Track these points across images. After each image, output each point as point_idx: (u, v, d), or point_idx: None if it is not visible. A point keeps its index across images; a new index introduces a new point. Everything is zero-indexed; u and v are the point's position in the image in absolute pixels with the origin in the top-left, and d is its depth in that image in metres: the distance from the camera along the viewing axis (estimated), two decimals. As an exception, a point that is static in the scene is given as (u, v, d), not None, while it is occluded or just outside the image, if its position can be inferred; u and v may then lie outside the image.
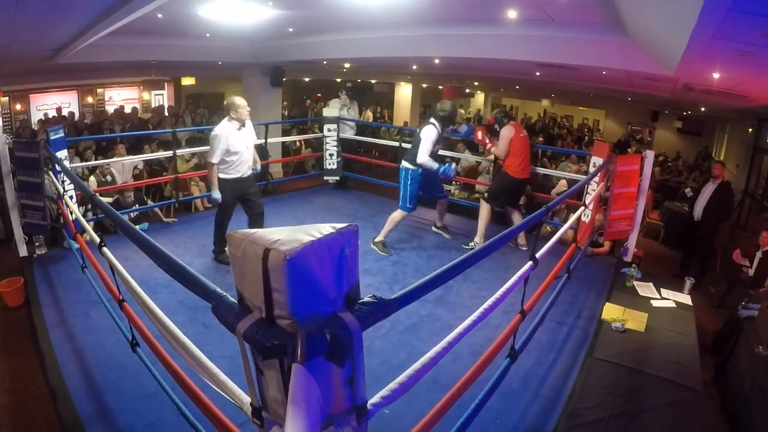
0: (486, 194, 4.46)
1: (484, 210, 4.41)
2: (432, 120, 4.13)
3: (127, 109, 10.15)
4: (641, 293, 3.66)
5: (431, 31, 5.13)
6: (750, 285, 4.38)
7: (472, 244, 4.43)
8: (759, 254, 4.52)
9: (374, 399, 1.15)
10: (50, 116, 9.36)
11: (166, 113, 10.25)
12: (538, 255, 2.11)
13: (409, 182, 4.19)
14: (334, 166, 6.28)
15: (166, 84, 12.10)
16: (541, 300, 2.43)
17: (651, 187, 5.02)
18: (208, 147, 3.72)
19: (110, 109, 10.52)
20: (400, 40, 5.50)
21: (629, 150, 11.35)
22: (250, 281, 0.93)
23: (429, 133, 4.03)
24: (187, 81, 12.64)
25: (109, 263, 2.06)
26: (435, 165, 4.07)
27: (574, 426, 2.22)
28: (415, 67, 8.85)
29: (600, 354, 2.80)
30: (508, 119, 4.40)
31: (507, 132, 4.26)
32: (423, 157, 4.04)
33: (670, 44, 3.10)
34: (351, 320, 0.94)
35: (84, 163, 5.43)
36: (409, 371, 1.29)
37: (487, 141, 4.43)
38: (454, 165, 4.42)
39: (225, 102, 3.67)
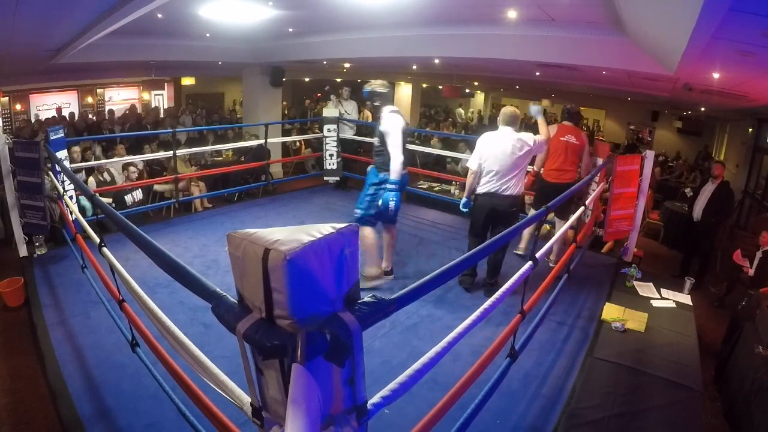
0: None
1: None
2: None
3: (122, 112, 10.10)
4: (641, 293, 3.66)
5: (431, 31, 5.13)
6: (750, 285, 4.37)
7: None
8: (759, 254, 4.52)
9: (374, 399, 1.16)
10: (45, 118, 9.31)
11: (162, 115, 10.18)
12: (537, 255, 2.11)
13: None
14: (334, 167, 6.28)
15: (166, 84, 12.09)
16: (541, 300, 2.43)
17: (651, 187, 5.02)
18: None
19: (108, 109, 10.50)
20: (400, 40, 5.50)
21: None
22: (250, 281, 0.93)
23: None
24: (187, 81, 12.65)
25: (109, 263, 2.06)
26: None
27: (574, 426, 2.22)
28: (415, 67, 8.85)
29: (600, 354, 2.80)
30: (565, 120, 4.15)
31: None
32: None
33: (670, 44, 3.10)
34: (351, 320, 0.94)
35: (83, 164, 5.42)
36: (409, 371, 1.29)
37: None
38: None
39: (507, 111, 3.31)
